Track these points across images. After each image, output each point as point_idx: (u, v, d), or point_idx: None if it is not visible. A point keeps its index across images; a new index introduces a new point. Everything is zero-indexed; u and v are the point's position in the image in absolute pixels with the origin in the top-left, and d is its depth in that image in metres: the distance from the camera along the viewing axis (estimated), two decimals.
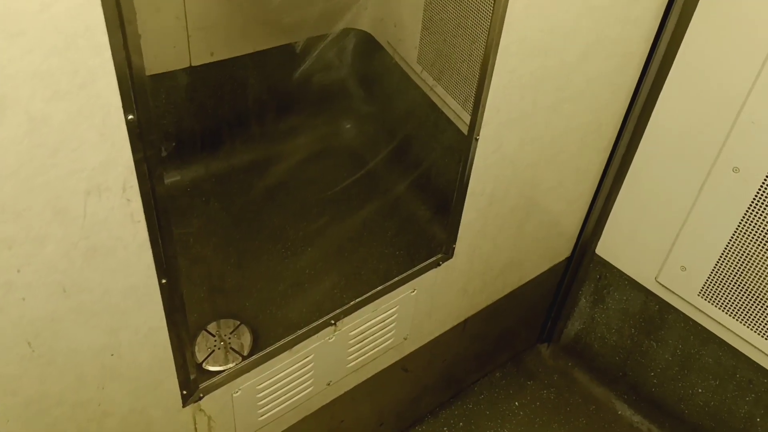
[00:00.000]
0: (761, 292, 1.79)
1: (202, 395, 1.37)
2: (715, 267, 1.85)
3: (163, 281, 1.12)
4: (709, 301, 1.91)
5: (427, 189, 2.03)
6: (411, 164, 2.09)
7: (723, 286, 1.86)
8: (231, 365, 1.44)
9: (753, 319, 1.83)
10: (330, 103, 2.18)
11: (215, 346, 1.56)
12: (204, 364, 1.50)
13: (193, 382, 1.34)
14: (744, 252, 1.78)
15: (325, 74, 2.11)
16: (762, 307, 1.80)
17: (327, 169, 2.11)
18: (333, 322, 1.54)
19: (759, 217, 1.71)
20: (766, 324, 1.81)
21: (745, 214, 1.73)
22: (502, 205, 1.73)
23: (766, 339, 1.84)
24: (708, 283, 1.89)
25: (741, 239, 1.77)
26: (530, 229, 1.92)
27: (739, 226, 1.76)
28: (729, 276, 1.83)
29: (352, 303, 1.56)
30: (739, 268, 1.80)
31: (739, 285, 1.82)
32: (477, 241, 1.75)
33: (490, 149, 1.54)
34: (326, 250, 1.88)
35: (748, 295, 1.82)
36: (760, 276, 1.77)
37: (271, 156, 2.08)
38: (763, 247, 1.74)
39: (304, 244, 1.89)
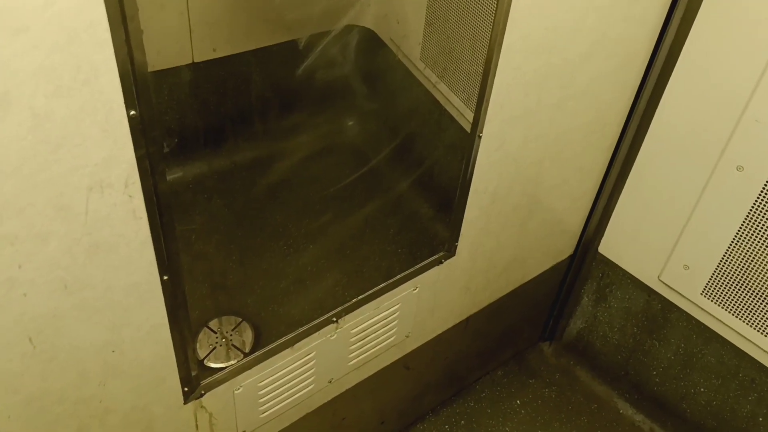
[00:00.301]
0: (764, 290, 1.78)
1: (203, 392, 1.37)
2: (718, 266, 1.85)
3: (165, 278, 1.12)
4: (712, 300, 1.91)
5: (430, 186, 2.03)
6: (414, 162, 2.09)
7: (726, 285, 1.86)
8: (232, 362, 1.44)
9: (756, 318, 1.83)
10: (333, 100, 2.18)
11: (217, 343, 1.56)
12: (205, 361, 1.50)
13: (194, 379, 1.34)
14: (747, 251, 1.77)
15: (327, 71, 2.10)
16: (765, 306, 1.80)
17: (329, 166, 2.11)
18: (335, 319, 1.54)
19: (763, 216, 1.70)
20: None
21: (749, 213, 1.72)
22: (504, 203, 1.73)
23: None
24: (711, 281, 1.88)
25: (744, 238, 1.76)
26: (533, 227, 1.92)
27: (742, 224, 1.75)
28: (732, 275, 1.83)
29: (354, 300, 1.56)
30: (743, 266, 1.80)
31: (742, 284, 1.82)
32: (480, 239, 1.75)
33: (493, 147, 1.53)
34: (328, 248, 1.87)
35: (752, 294, 1.81)
36: (764, 275, 1.77)
37: (273, 153, 2.07)
38: (766, 246, 1.73)
39: (307, 242, 1.89)
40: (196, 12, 1.80)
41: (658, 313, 2.09)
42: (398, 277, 1.62)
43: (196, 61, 1.89)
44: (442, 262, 1.69)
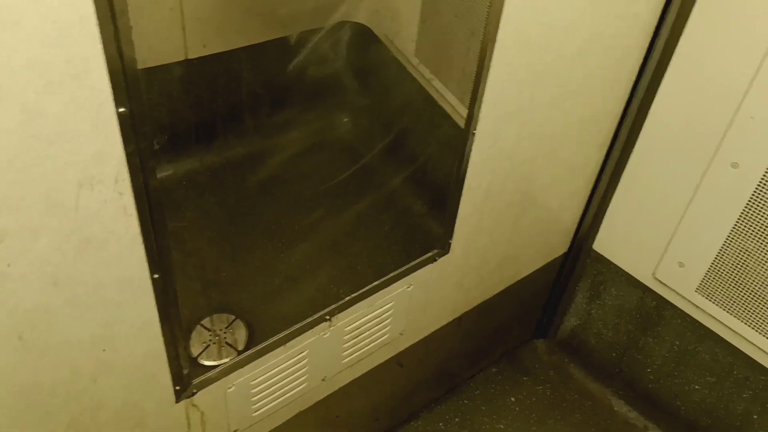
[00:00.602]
0: (759, 288, 1.78)
1: (195, 390, 1.37)
2: (713, 263, 1.85)
3: (156, 276, 1.11)
4: (706, 298, 1.90)
5: (424, 183, 2.02)
6: (407, 158, 2.08)
7: (720, 283, 1.85)
8: (225, 360, 1.43)
9: (750, 316, 1.83)
10: (326, 96, 2.17)
11: (210, 341, 1.55)
12: (198, 359, 1.49)
13: (186, 377, 1.33)
14: (742, 248, 1.77)
15: (321, 67, 2.10)
16: (760, 303, 1.80)
17: (322, 162, 2.10)
18: (328, 317, 1.53)
19: (757, 213, 1.70)
20: (763, 321, 1.81)
21: (744, 210, 1.72)
22: (498, 200, 1.72)
23: (763, 336, 1.83)
24: (705, 279, 1.88)
25: (739, 235, 1.76)
26: (527, 225, 1.91)
27: (737, 222, 1.75)
28: (727, 272, 1.83)
29: (347, 298, 1.56)
30: (737, 264, 1.80)
31: (736, 281, 1.82)
32: (473, 237, 1.74)
33: (487, 144, 1.53)
34: (321, 245, 1.87)
35: (746, 291, 1.81)
36: (758, 272, 1.77)
37: (266, 149, 2.07)
38: (761, 243, 1.73)
39: (300, 239, 1.88)
40: (190, 8, 1.79)
41: (652, 310, 2.09)
42: (392, 275, 1.61)
43: (189, 57, 1.88)
44: (435, 260, 1.68)
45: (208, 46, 1.88)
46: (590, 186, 2.03)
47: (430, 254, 1.67)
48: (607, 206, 2.07)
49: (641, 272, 2.07)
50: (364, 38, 2.15)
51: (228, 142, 2.01)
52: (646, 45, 1.71)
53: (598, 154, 1.93)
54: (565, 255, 2.23)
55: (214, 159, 1.99)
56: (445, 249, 1.69)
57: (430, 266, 1.69)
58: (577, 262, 2.23)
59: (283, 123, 2.08)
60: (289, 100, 2.09)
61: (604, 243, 2.14)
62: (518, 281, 2.11)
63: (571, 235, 2.17)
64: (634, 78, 1.78)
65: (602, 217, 2.10)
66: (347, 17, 2.12)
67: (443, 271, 1.74)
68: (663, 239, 1.95)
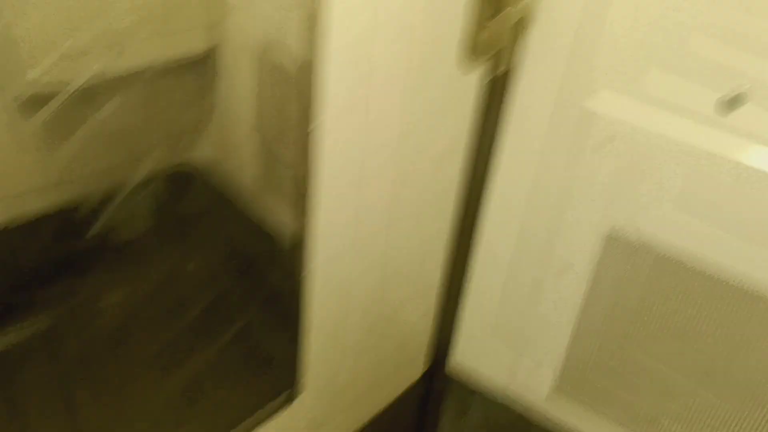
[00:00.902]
0: (610, 386, 1.81)
1: None
2: (565, 363, 1.87)
3: None
4: (565, 397, 1.91)
5: (267, 325, 1.96)
6: (247, 300, 2.02)
7: (576, 380, 1.87)
8: None
9: (609, 411, 1.84)
10: (157, 247, 2.09)
11: None
12: None
13: None
14: (589, 346, 1.80)
15: (146, 219, 2.02)
16: (613, 400, 1.82)
17: (152, 321, 1.98)
18: None
19: (594, 314, 1.74)
20: (623, 413, 1.83)
21: (583, 310, 1.76)
22: (348, 332, 1.68)
23: (625, 429, 1.85)
24: (562, 379, 1.89)
25: (582, 334, 1.79)
26: (382, 351, 1.88)
27: (579, 321, 1.78)
28: (580, 369, 1.85)
29: None
30: (587, 361, 1.82)
31: (589, 378, 1.84)
32: (324, 373, 1.68)
33: (328, 274, 1.49)
34: (157, 415, 1.73)
35: (599, 387, 1.83)
36: (604, 369, 1.79)
37: (78, 318, 1.92)
38: (602, 340, 1.77)
39: (135, 405, 1.74)
40: None
41: (516, 418, 2.08)
42: (238, 429, 1.52)
43: None
44: (285, 406, 1.61)
45: (10, 215, 1.77)
46: (440, 302, 2.03)
47: (278, 399, 1.60)
48: (457, 320, 2.07)
49: (500, 381, 2.07)
50: (197, 181, 2.12)
51: (38, 313, 1.86)
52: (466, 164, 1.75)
53: (440, 271, 1.94)
54: (426, 375, 2.20)
55: (12, 338, 1.83)
56: (294, 392, 1.61)
57: (280, 413, 1.60)
58: (438, 382, 2.20)
59: (96, 287, 1.95)
60: (104, 262, 1.98)
61: (462, 357, 2.13)
62: (381, 412, 2.05)
63: (430, 354, 2.15)
64: (459, 200, 1.81)
65: (455, 332, 2.10)
66: (176, 162, 2.08)
67: (296, 415, 1.66)
68: (515, 346, 1.96)
